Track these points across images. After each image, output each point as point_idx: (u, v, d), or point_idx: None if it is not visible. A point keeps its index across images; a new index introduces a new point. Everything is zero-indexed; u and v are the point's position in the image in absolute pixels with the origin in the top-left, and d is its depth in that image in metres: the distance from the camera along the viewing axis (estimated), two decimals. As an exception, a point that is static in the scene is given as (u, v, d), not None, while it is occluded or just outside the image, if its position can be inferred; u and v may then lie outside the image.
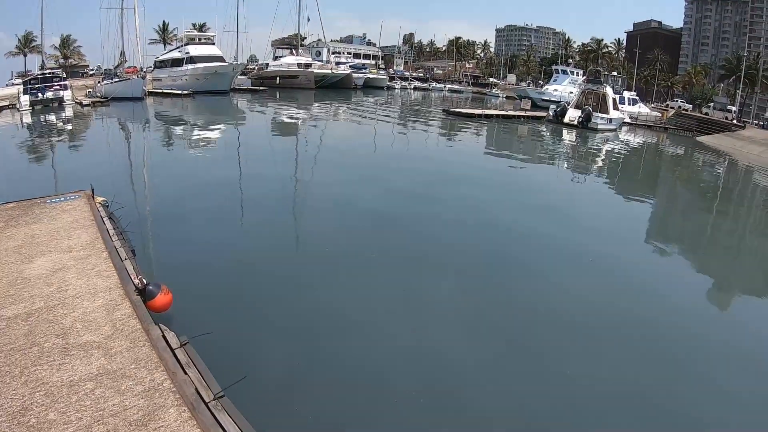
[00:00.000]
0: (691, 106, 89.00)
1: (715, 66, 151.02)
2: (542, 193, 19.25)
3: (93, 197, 10.60)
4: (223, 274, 9.36)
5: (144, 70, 45.90)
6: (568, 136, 39.70)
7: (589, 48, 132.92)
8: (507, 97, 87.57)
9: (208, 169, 18.29)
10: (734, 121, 71.51)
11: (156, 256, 9.94)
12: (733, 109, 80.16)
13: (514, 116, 41.87)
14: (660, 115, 73.64)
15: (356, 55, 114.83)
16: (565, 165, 27.64)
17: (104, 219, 9.39)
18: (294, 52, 73.59)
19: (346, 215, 13.73)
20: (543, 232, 13.36)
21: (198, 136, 26.34)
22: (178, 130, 26.90)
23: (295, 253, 10.84)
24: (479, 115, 37.84)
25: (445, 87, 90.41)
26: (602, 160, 30.78)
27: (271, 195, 15.36)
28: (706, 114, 76.28)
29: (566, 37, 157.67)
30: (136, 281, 6.84)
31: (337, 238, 11.72)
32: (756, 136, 59.23)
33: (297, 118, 36.31)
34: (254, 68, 75.43)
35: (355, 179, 18.08)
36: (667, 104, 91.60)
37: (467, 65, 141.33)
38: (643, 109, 69.09)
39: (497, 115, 39.85)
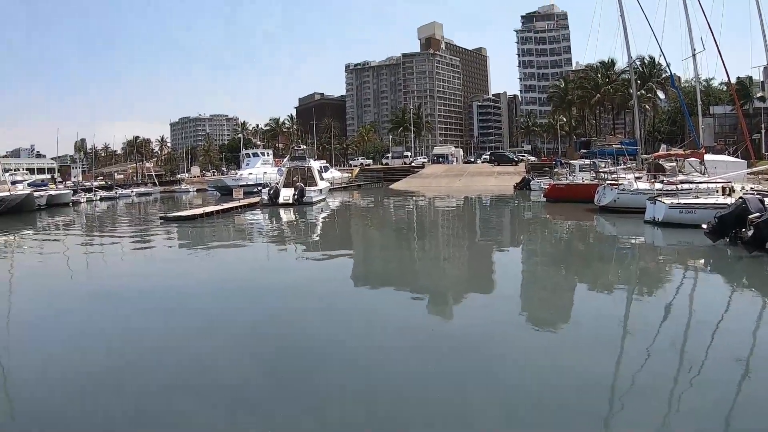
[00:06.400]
0: (371, 161, 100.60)
1: (379, 122, 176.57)
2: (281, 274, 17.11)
3: None
4: None
5: None
6: (287, 215, 39.68)
7: (268, 128, 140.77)
8: (198, 190, 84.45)
9: None
10: (413, 164, 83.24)
11: None
12: (409, 154, 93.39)
13: (232, 208, 40.82)
14: (350, 175, 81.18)
15: (30, 170, 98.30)
16: (291, 244, 27.81)
17: None
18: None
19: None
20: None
21: None
22: None
23: None
24: (201, 215, 35.76)
25: (132, 192, 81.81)
26: (317, 227, 34.36)
27: None
28: (386, 164, 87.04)
29: (242, 121, 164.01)
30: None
31: None
32: (437, 172, 69.72)
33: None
34: None
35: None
36: (350, 164, 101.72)
37: (147, 165, 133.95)
38: (335, 174, 75.19)
39: (217, 211, 38.25)
